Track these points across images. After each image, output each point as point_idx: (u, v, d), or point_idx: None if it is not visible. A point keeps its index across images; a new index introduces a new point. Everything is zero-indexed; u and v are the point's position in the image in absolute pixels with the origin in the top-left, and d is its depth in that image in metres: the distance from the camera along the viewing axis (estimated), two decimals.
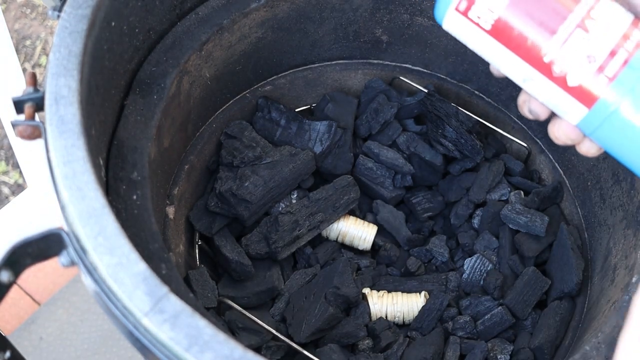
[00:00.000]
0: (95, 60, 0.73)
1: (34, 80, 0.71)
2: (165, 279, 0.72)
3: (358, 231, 1.04)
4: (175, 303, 0.57)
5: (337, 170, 1.06)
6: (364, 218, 1.07)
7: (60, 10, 0.73)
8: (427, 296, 1.00)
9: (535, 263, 1.01)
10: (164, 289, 0.58)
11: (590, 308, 0.91)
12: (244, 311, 0.94)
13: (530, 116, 0.62)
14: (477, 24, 0.59)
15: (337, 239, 1.05)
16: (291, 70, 1.09)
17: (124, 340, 1.30)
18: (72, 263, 0.62)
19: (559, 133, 0.60)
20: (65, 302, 1.45)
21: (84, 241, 0.60)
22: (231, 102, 1.05)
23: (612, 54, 0.57)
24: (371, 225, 1.05)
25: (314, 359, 0.93)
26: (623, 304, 0.75)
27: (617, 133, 0.58)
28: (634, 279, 0.78)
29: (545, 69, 0.58)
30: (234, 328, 0.93)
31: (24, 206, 1.46)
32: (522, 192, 1.05)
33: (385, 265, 1.06)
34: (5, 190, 1.65)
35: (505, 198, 1.05)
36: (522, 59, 0.59)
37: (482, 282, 1.00)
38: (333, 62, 1.10)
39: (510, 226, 1.01)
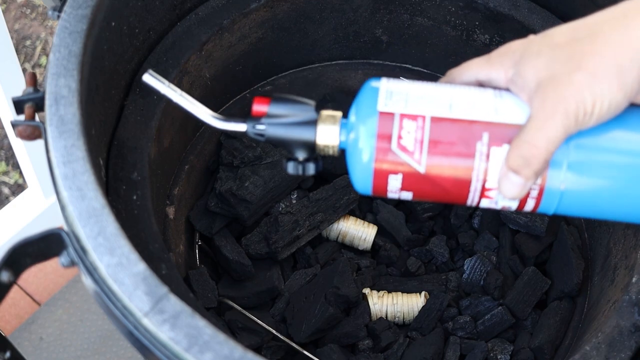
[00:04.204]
0: (95, 61, 0.73)
1: (34, 81, 0.71)
2: (165, 279, 0.72)
3: (358, 231, 1.04)
4: (175, 303, 0.57)
5: (337, 170, 1.06)
6: (364, 218, 1.07)
7: (60, 11, 0.73)
8: (427, 296, 1.00)
9: (535, 263, 1.01)
10: (164, 289, 0.58)
11: (590, 308, 0.91)
12: (244, 311, 0.94)
13: None
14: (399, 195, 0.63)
15: (337, 239, 1.05)
16: (291, 70, 1.09)
17: (124, 340, 1.30)
18: (72, 263, 0.62)
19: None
20: (65, 302, 1.45)
21: (84, 241, 0.60)
22: (231, 102, 1.05)
23: (522, 203, 0.61)
24: (371, 225, 1.05)
25: (314, 359, 0.93)
26: (623, 304, 0.75)
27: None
28: (634, 279, 0.77)
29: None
30: (234, 328, 0.93)
31: (24, 206, 1.46)
32: None
33: (386, 265, 1.05)
34: (5, 190, 1.65)
35: None
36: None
37: (482, 282, 1.00)
38: (333, 62, 1.10)
39: (510, 226, 1.01)
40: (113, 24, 0.79)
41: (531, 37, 0.60)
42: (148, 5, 0.87)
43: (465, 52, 1.04)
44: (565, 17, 0.98)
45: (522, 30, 0.98)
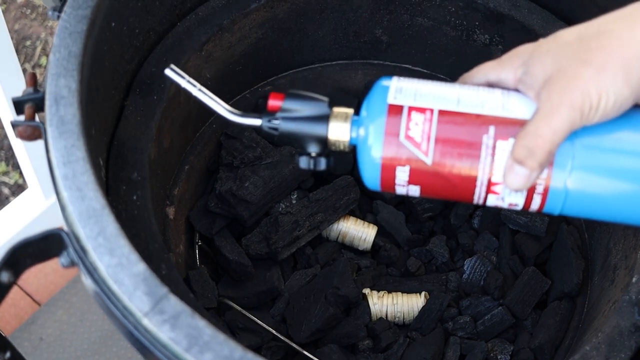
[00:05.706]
0: (95, 61, 0.73)
1: (34, 81, 0.71)
2: (165, 279, 0.72)
3: (358, 231, 1.04)
4: (175, 303, 0.57)
5: (337, 171, 1.06)
6: (364, 218, 1.07)
7: (60, 11, 0.73)
8: (427, 296, 1.00)
9: (535, 263, 1.01)
10: (164, 290, 0.58)
11: (590, 308, 0.91)
12: (244, 311, 0.94)
13: None
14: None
15: (337, 239, 1.05)
16: (291, 71, 1.09)
17: (124, 340, 1.29)
18: (72, 263, 0.62)
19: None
20: (65, 302, 1.45)
21: (84, 242, 0.60)
22: (231, 102, 1.05)
23: (528, 200, 0.61)
24: (371, 225, 1.05)
25: (314, 359, 0.93)
26: (623, 304, 0.75)
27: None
28: (634, 279, 0.77)
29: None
30: (234, 328, 0.93)
31: (24, 206, 1.46)
32: None
33: (386, 266, 1.05)
34: (5, 190, 1.65)
35: None
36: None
37: (482, 282, 1.00)
38: (333, 63, 1.10)
39: (510, 226, 1.01)
40: (113, 24, 0.79)
41: (541, 39, 0.61)
42: (148, 6, 0.87)
43: (465, 52, 1.04)
44: (565, 17, 0.98)
45: (522, 30, 0.98)
